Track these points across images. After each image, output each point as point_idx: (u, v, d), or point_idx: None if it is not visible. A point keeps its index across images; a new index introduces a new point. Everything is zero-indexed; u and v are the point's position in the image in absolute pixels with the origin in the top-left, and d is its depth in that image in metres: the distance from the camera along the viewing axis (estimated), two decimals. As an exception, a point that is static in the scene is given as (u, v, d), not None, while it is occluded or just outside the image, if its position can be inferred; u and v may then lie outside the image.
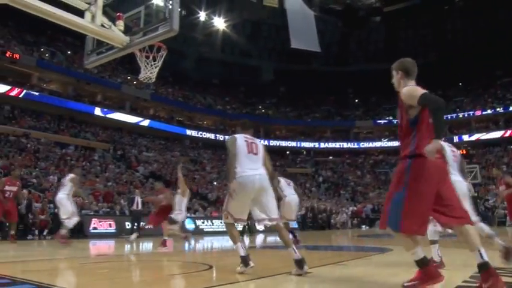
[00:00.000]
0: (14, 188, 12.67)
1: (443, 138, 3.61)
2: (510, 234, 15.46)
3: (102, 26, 5.51)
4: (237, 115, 48.22)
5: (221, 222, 17.25)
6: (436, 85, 49.97)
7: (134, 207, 16.82)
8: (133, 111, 38.90)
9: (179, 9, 5.37)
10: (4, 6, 4.93)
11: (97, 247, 12.01)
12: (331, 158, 49.05)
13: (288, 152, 49.19)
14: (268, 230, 25.13)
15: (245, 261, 4.78)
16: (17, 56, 31.06)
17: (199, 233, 20.32)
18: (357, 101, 54.30)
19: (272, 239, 17.29)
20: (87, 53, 6.27)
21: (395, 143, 47.36)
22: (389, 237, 16.75)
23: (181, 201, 10.48)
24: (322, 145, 49.22)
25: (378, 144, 48.53)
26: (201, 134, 43.27)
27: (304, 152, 49.53)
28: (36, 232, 15.86)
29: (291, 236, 5.54)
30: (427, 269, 3.57)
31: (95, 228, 17.05)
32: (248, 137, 5.08)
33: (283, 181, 10.73)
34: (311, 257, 7.37)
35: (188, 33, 42.52)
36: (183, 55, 41.73)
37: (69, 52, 37.33)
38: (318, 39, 44.02)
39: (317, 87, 51.19)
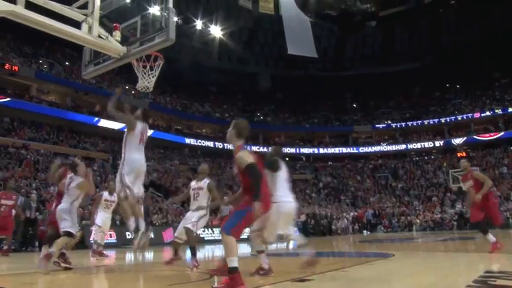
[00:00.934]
0: (10, 202, 12.52)
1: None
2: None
3: (99, 36, 5.53)
4: (236, 123, 48.20)
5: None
6: (434, 88, 50.21)
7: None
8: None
9: (175, 19, 5.39)
10: (2, 19, 4.94)
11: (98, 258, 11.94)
12: (330, 163, 48.98)
13: (287, 158, 49.06)
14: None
15: None
16: (16, 68, 31.08)
17: (199, 241, 20.25)
18: (354, 105, 54.30)
19: (273, 246, 17.22)
20: (84, 63, 6.29)
21: (395, 147, 47.59)
22: (392, 243, 16.72)
23: None
24: (322, 151, 49.15)
25: (377, 148, 48.47)
26: (200, 142, 43.21)
27: (304, 158, 49.45)
28: (37, 244, 15.74)
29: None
30: (236, 277, 4.17)
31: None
32: None
33: None
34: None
35: (185, 41, 42.57)
36: (180, 64, 41.70)
37: (67, 63, 37.37)
38: (315, 44, 44.15)
39: (315, 93, 51.19)
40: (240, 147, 4.60)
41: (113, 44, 5.58)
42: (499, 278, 4.68)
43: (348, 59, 53.33)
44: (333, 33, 51.40)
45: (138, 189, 6.21)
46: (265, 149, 47.62)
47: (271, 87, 52.37)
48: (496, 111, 42.89)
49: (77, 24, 5.50)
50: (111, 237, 17.56)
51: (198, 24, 43.70)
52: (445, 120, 45.74)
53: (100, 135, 35.46)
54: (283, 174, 5.42)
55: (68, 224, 6.86)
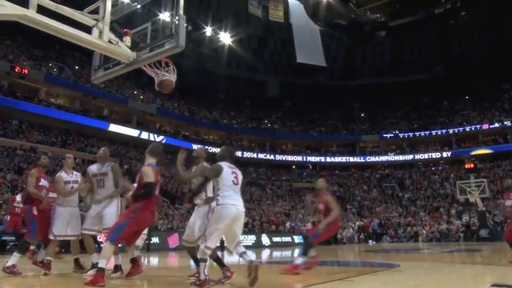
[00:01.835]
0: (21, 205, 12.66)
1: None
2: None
3: (110, 42, 5.56)
4: (243, 129, 48.30)
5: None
6: (443, 99, 50.07)
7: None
8: (139, 126, 39.08)
9: (185, 25, 5.41)
10: (13, 22, 4.99)
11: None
12: (337, 172, 48.88)
13: (293, 167, 49.08)
14: (274, 245, 24.97)
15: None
16: (26, 71, 31.35)
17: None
18: (362, 115, 54.25)
19: (278, 254, 17.17)
20: (94, 68, 6.32)
21: (402, 157, 47.43)
22: (397, 253, 16.62)
23: None
24: (328, 159, 49.06)
25: (384, 158, 48.35)
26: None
27: (310, 167, 49.39)
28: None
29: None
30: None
31: (101, 242, 16.97)
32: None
33: None
34: (318, 272, 7.31)
35: (194, 48, 42.77)
36: (189, 70, 41.87)
37: (76, 67, 37.65)
38: (324, 53, 44.15)
39: (323, 102, 51.19)
40: (149, 164, 5.60)
41: (123, 49, 5.61)
42: (506, 292, 4.64)
43: (357, 68, 53.31)
44: (342, 43, 51.38)
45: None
46: (271, 157, 47.70)
47: (280, 95, 52.40)
48: (505, 122, 42.67)
49: (87, 29, 5.54)
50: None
51: (208, 30, 43.89)
52: (453, 131, 45.58)
53: (108, 139, 35.65)
54: (227, 177, 5.20)
55: None
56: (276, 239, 26.73)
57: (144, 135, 38.03)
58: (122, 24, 5.87)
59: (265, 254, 16.92)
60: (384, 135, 49.22)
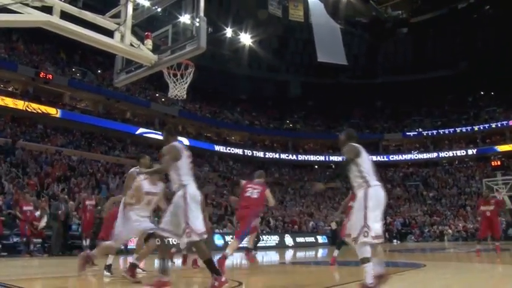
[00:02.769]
0: (93, 202, 13.71)
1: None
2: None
3: (131, 45, 5.62)
4: (265, 130, 48.28)
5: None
6: (467, 95, 49.23)
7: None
8: (162, 128, 39.40)
9: (206, 27, 5.44)
10: (39, 29, 5.08)
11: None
12: (360, 171, 48.39)
13: (316, 167, 48.86)
14: (297, 246, 24.91)
15: None
16: (50, 76, 31.86)
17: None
18: (385, 113, 53.73)
19: (302, 254, 17.12)
20: (116, 71, 6.40)
21: (426, 155, 46.81)
22: (423, 253, 16.39)
23: None
24: (351, 158, 48.59)
25: (407, 156, 47.78)
26: (229, 150, 43.40)
27: (333, 166, 49.12)
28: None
29: None
30: None
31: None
32: None
33: None
34: (341, 273, 7.26)
35: (215, 49, 42.95)
36: (211, 71, 42.04)
37: (99, 71, 38.12)
38: (345, 52, 43.90)
39: (345, 100, 50.81)
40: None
41: (144, 52, 5.67)
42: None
43: (379, 66, 52.88)
44: (364, 41, 51.08)
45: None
46: (294, 157, 47.57)
47: (302, 94, 52.30)
48: (532, 118, 41.80)
49: (109, 33, 5.61)
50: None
51: (228, 32, 44.04)
52: (478, 128, 44.76)
53: (131, 142, 36.11)
54: (366, 158, 5.26)
55: None
56: (300, 239, 26.63)
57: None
58: (143, 27, 5.93)
59: (289, 254, 16.87)
60: (407, 133, 48.62)
